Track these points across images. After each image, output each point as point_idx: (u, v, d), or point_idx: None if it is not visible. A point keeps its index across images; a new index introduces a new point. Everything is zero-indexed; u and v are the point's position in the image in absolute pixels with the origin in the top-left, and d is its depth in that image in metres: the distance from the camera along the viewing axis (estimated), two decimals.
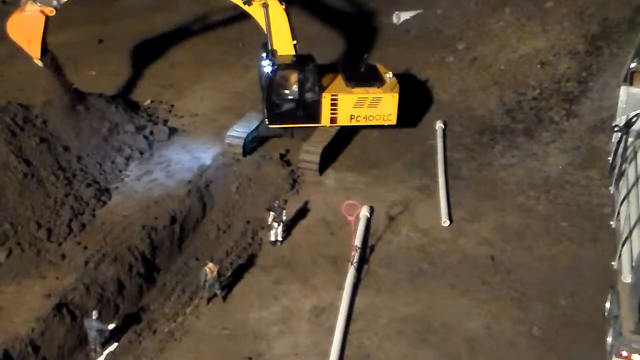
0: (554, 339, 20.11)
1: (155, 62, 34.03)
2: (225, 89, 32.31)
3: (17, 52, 34.10)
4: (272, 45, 26.58)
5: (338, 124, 27.65)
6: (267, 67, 26.88)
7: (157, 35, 36.07)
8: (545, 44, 32.74)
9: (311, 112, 27.24)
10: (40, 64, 26.26)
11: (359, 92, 27.46)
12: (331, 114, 27.40)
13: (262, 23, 26.30)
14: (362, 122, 27.85)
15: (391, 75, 27.96)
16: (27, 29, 25.56)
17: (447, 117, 30.09)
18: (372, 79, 28.03)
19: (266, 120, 27.22)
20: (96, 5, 38.96)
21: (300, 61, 26.85)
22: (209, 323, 20.80)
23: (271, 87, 26.66)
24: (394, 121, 27.83)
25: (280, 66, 26.55)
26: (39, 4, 25.24)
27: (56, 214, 23.34)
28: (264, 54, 27.20)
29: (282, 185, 25.97)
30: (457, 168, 27.29)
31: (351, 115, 27.51)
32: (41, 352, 19.17)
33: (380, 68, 28.89)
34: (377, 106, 27.48)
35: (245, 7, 26.20)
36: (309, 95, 27.02)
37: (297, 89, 26.81)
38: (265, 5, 25.95)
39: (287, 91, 26.94)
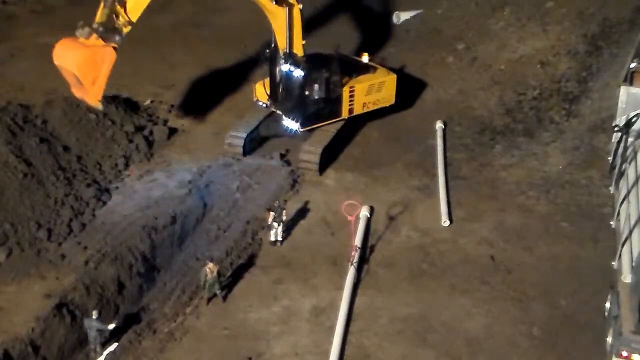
0: (554, 339, 20.12)
1: (155, 62, 34.02)
2: (225, 89, 32.29)
3: (17, 52, 34.35)
4: (292, 47, 26.61)
5: (354, 114, 28.32)
6: (296, 71, 26.76)
7: (157, 35, 36.05)
8: (545, 44, 32.76)
9: (335, 107, 27.80)
10: (100, 107, 23.42)
11: (367, 80, 28.32)
12: (349, 105, 28.04)
13: (281, 25, 26.05)
14: (371, 108, 28.70)
15: (367, 58, 28.69)
16: (97, 66, 22.03)
17: (447, 117, 30.09)
18: (361, 66, 28.67)
19: (299, 124, 27.15)
20: (96, 5, 38.89)
21: (324, 60, 27.21)
22: (209, 323, 20.80)
23: (304, 91, 26.92)
24: (393, 100, 29.04)
25: (311, 68, 26.76)
26: (105, 38, 22.32)
27: (56, 214, 23.32)
28: (282, 57, 26.95)
29: (282, 185, 25.97)
30: (457, 168, 27.30)
31: (363, 103, 28.33)
32: (41, 352, 19.16)
33: (353, 57, 29.47)
34: (382, 89, 28.58)
35: (271, 7, 25.69)
36: (334, 92, 27.47)
37: (325, 88, 27.17)
38: (290, 6, 25.80)
39: (315, 92, 27.22)
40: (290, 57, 26.68)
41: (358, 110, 28.33)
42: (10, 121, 25.25)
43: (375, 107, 28.80)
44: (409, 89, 31.12)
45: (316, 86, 27.03)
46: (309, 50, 27.45)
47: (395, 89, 28.94)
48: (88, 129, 26.84)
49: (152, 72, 33.24)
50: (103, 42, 22.27)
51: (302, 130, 27.31)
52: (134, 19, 22.75)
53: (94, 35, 22.04)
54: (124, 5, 22.00)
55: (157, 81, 32.60)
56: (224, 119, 29.43)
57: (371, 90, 28.34)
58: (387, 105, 29.09)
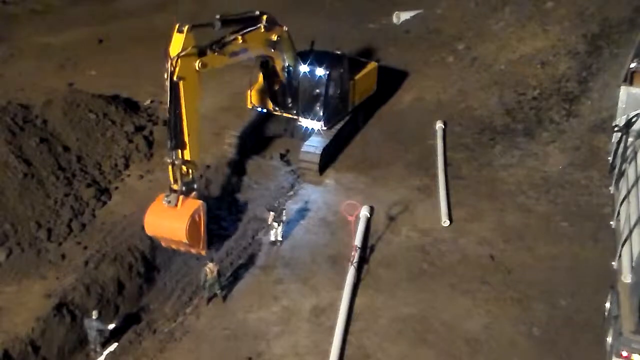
0: (554, 339, 20.12)
1: (155, 62, 33.96)
2: (225, 89, 32.27)
3: (17, 52, 34.35)
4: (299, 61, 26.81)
5: (355, 104, 28.61)
6: (318, 70, 26.86)
7: (157, 35, 36.02)
8: (545, 44, 32.75)
9: (345, 102, 28.08)
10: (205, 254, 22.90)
11: (361, 71, 28.66)
12: (352, 98, 28.33)
13: (281, 58, 26.02)
14: (364, 97, 28.99)
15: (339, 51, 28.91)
16: (198, 224, 21.84)
17: (447, 117, 30.07)
18: (345, 58, 28.73)
19: (322, 123, 27.23)
20: (96, 5, 38.96)
21: (331, 58, 27.60)
22: (209, 323, 20.81)
23: (326, 90, 27.14)
24: (375, 88, 29.59)
25: (333, 69, 27.01)
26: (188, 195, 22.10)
27: (56, 214, 23.34)
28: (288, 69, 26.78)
29: (282, 185, 25.97)
30: (457, 168, 27.28)
31: (359, 95, 28.64)
32: (41, 352, 19.19)
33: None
34: (369, 79, 29.12)
35: (271, 53, 25.59)
36: (344, 89, 27.80)
37: (340, 85, 27.56)
38: (287, 35, 25.61)
39: (334, 89, 27.55)
40: (302, 62, 26.74)
41: (356, 102, 28.68)
42: (10, 121, 25.26)
43: (364, 97, 29.12)
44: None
45: (334, 83, 27.36)
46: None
47: (376, 77, 29.52)
48: (88, 129, 26.85)
49: (152, 72, 33.14)
50: (188, 199, 21.97)
51: (324, 128, 27.40)
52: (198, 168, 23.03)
53: (180, 197, 21.83)
54: (188, 160, 22.03)
55: (157, 81, 32.54)
56: (224, 119, 29.40)
57: (364, 81, 28.78)
58: (371, 94, 29.53)
